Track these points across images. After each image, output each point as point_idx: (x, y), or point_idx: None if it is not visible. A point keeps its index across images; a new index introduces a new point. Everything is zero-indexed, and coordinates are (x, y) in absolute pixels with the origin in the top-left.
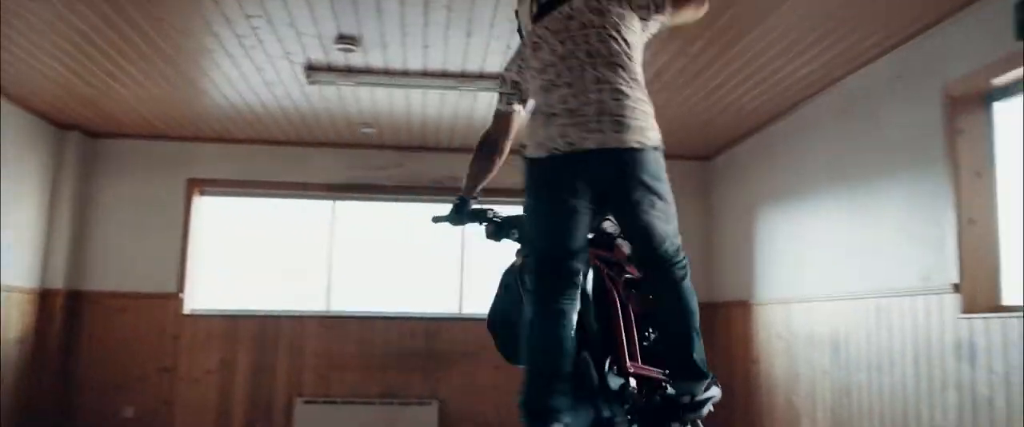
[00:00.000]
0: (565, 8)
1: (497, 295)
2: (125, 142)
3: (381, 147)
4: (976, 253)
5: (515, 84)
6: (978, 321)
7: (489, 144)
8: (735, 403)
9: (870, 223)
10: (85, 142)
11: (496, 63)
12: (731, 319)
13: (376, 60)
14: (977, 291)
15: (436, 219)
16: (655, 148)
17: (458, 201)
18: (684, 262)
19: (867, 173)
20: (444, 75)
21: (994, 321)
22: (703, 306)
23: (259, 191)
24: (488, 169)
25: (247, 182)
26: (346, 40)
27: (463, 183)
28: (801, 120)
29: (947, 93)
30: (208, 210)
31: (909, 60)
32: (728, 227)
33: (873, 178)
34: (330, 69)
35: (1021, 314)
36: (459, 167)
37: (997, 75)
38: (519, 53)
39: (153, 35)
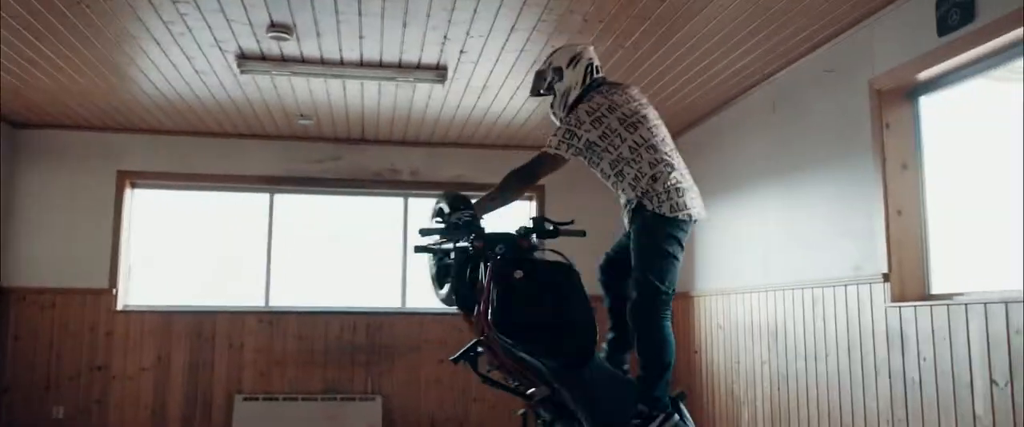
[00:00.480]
0: (634, 92)
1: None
2: (52, 133)
3: (319, 139)
4: (904, 243)
5: (590, 144)
6: (907, 309)
7: (535, 181)
8: None
9: (804, 215)
10: (8, 132)
11: (433, 54)
12: (674, 311)
13: (311, 50)
14: (905, 280)
15: (425, 232)
16: None
17: (468, 221)
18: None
19: (800, 166)
20: (381, 65)
21: (922, 309)
22: None
23: (194, 184)
24: (517, 200)
25: (181, 175)
26: (279, 28)
27: (488, 206)
28: (737, 114)
29: (874, 87)
30: (141, 203)
31: (838, 55)
32: None
33: (806, 170)
34: (263, 58)
35: (948, 302)
36: (399, 160)
37: (922, 70)
38: (603, 119)
39: (71, 17)
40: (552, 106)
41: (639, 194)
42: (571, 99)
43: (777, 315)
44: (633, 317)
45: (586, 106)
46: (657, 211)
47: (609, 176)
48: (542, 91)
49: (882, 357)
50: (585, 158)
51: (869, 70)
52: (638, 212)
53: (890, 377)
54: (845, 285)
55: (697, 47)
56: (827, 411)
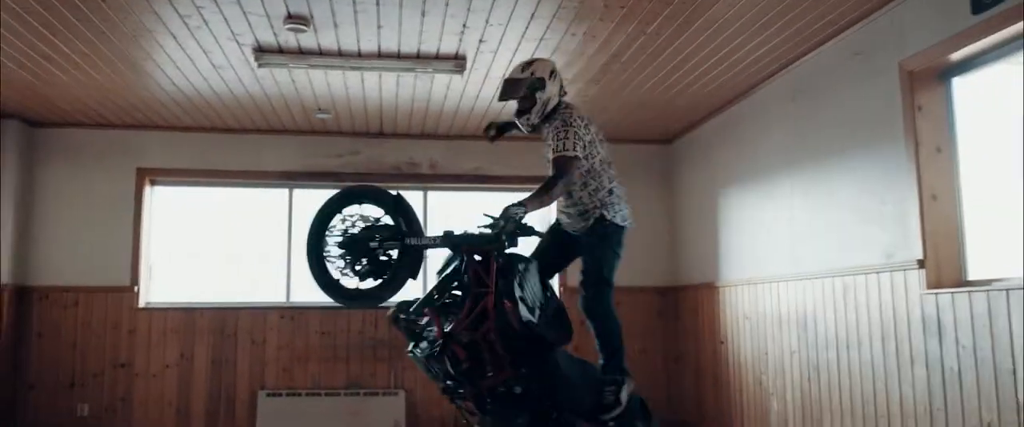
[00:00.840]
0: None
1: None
2: (70, 131)
3: (337, 133)
4: (939, 229)
5: (584, 147)
6: (944, 296)
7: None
8: (704, 384)
9: (832, 203)
10: (26, 131)
11: (452, 43)
12: (698, 301)
13: (328, 41)
14: (941, 266)
15: (512, 234)
16: None
17: (519, 220)
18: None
19: (826, 153)
20: (399, 57)
21: (960, 296)
22: (669, 290)
23: (213, 180)
24: None
25: (200, 171)
26: (296, 20)
27: (536, 207)
28: (759, 102)
29: (905, 69)
30: (160, 200)
31: (865, 38)
32: (692, 211)
33: (832, 157)
34: (281, 51)
35: (987, 288)
36: (417, 153)
37: (955, 50)
38: (590, 130)
39: (86, 11)
40: (524, 114)
41: (599, 205)
42: (548, 109)
43: (806, 304)
44: (593, 307)
45: (577, 114)
46: (614, 221)
47: (573, 183)
48: (516, 97)
49: (918, 345)
50: None
51: (899, 52)
52: (599, 222)
53: (927, 366)
54: (877, 272)
55: (719, 33)
56: (861, 401)
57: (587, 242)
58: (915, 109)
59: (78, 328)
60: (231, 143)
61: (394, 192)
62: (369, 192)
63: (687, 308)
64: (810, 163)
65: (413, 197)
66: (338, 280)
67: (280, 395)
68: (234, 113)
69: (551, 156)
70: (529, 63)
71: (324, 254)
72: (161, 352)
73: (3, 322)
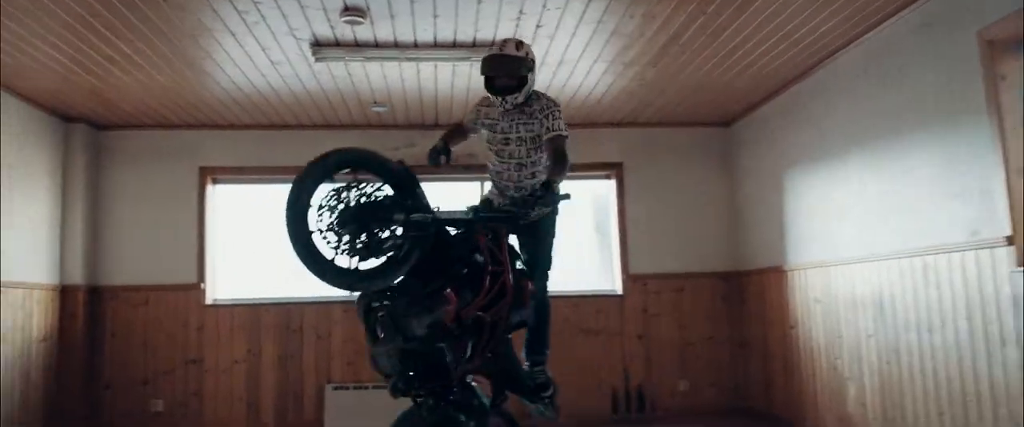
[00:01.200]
0: None
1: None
2: (133, 133)
3: (393, 126)
4: None
5: None
6: None
7: None
8: (774, 370)
9: (908, 180)
10: (92, 134)
11: (509, 30)
12: (764, 286)
13: (384, 32)
14: None
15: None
16: None
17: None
18: None
19: (899, 128)
20: (455, 46)
21: None
22: (733, 274)
23: (272, 177)
24: None
25: (259, 168)
26: (352, 12)
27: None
28: (825, 79)
29: (984, 38)
30: (222, 198)
31: (937, 8)
32: (753, 193)
33: (905, 133)
34: (337, 44)
35: None
36: (474, 144)
37: None
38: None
39: (147, 11)
40: (511, 92)
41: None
42: (530, 92)
43: (882, 286)
44: (545, 294)
45: (553, 98)
46: (556, 207)
47: (532, 159)
48: (513, 75)
49: (1008, 325)
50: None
51: (977, 20)
52: (548, 192)
53: (1020, 346)
54: (961, 251)
55: (782, 10)
56: (946, 383)
57: (532, 228)
58: (997, 79)
59: (149, 326)
60: (289, 139)
61: (397, 160)
62: (368, 158)
63: (753, 293)
64: (882, 140)
65: (470, 189)
66: (333, 260)
67: (347, 388)
68: (291, 109)
69: (549, 135)
70: (520, 43)
71: (312, 230)
72: (229, 348)
73: (80, 322)
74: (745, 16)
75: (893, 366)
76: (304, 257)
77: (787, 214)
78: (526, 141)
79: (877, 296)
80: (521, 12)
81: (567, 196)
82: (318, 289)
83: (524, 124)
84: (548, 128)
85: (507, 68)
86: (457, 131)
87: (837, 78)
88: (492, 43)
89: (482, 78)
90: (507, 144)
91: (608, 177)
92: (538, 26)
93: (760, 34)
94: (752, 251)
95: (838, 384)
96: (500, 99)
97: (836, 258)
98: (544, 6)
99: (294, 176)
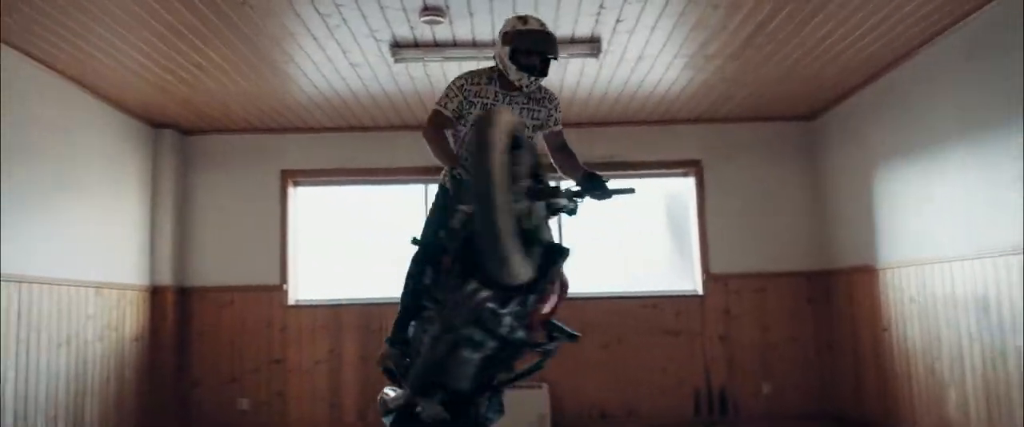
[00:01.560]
0: None
1: None
2: (217, 137)
3: None
4: None
5: None
6: None
7: None
8: (864, 372)
9: (1014, 173)
10: (179, 139)
11: (588, 25)
12: (853, 285)
13: (463, 32)
14: None
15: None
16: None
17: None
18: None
19: (1005, 118)
20: None
21: None
22: (819, 274)
23: (351, 178)
24: None
25: (339, 170)
26: (432, 11)
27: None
28: (922, 65)
29: None
30: (303, 200)
31: None
32: (841, 189)
33: (1012, 123)
34: (416, 45)
35: None
36: (618, 142)
37: None
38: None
39: (235, 19)
40: (538, 76)
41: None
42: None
43: (987, 285)
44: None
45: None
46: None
47: None
48: (555, 57)
49: None
50: None
51: None
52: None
53: None
54: None
55: None
56: None
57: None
58: None
59: (234, 326)
60: (367, 141)
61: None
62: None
63: (841, 293)
64: (990, 130)
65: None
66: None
67: None
68: (370, 111)
69: (558, 128)
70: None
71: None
72: (311, 348)
73: (170, 322)
74: (837, 1)
75: (999, 371)
76: (503, 227)
77: (878, 210)
78: (529, 128)
79: (981, 295)
80: (602, 7)
81: (632, 190)
82: (396, 290)
83: (529, 110)
84: (556, 120)
85: (554, 48)
86: (445, 136)
87: (939, 63)
88: (571, 39)
89: (508, 53)
90: (534, 132)
91: (686, 175)
92: (618, 21)
93: (855, 18)
94: (839, 249)
95: (937, 389)
96: (528, 79)
97: (934, 256)
98: (625, 0)
99: (373, 178)
